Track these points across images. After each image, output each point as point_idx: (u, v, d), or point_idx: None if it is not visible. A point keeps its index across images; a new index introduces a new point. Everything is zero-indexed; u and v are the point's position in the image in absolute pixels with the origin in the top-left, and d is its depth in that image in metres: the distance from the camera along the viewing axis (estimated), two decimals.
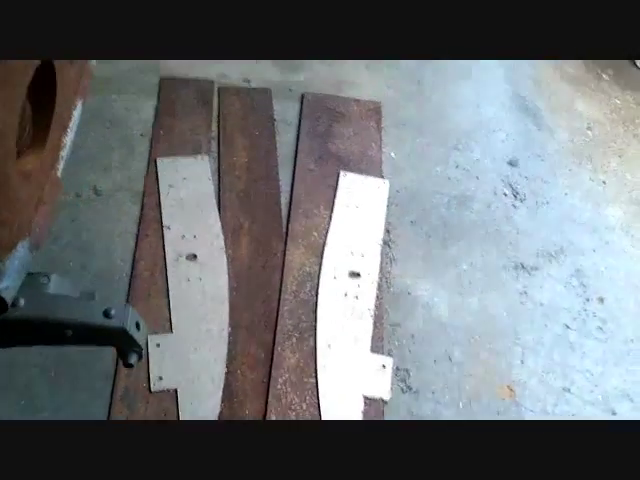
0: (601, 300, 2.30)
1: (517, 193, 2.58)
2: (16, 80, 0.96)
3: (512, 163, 2.69)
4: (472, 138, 2.77)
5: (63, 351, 1.95)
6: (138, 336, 1.29)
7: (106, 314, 1.24)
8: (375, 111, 2.80)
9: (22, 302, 1.18)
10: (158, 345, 1.99)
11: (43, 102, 1.15)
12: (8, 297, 1.09)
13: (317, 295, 2.17)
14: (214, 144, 2.58)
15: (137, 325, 1.29)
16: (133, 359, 1.31)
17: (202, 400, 1.90)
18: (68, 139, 1.34)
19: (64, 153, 1.32)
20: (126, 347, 1.30)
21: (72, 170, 2.37)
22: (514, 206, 2.54)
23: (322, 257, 2.27)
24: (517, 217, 2.51)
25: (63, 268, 2.12)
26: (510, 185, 2.61)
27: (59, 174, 1.30)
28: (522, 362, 2.10)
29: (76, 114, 1.38)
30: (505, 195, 2.58)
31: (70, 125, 1.35)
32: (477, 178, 2.62)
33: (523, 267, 2.35)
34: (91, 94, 2.65)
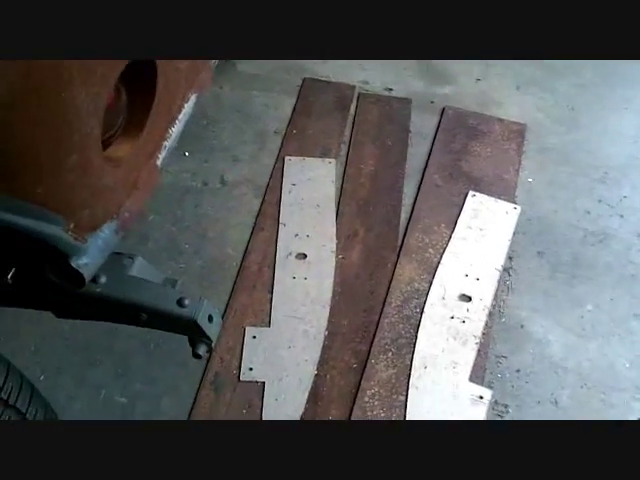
0: None
1: None
2: (105, 73, 0.98)
3: None
4: (623, 173, 2.54)
5: None
6: (209, 328, 1.30)
7: (180, 303, 1.26)
8: (518, 133, 2.66)
9: (103, 279, 1.23)
10: (254, 337, 2.00)
11: (143, 93, 1.19)
12: (86, 273, 1.13)
13: (422, 313, 2.08)
14: (344, 149, 2.57)
15: (210, 318, 1.31)
16: (202, 350, 1.32)
17: (287, 398, 1.88)
18: (175, 130, 1.38)
19: (168, 143, 1.35)
20: (196, 337, 1.31)
21: (204, 158, 2.49)
22: None
23: (434, 275, 2.17)
24: None
25: (178, 250, 2.21)
26: None
27: (159, 163, 1.33)
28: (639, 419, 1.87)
29: (187, 107, 1.42)
30: None
31: (180, 117, 1.39)
32: (621, 217, 2.39)
33: None
34: (234, 89, 2.78)
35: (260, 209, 2.34)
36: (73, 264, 1.08)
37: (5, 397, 1.09)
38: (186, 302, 1.24)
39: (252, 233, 2.27)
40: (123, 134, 1.17)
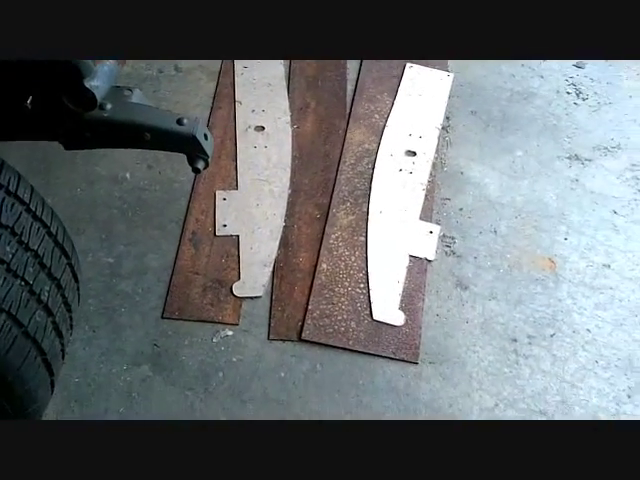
0: None
1: (580, 92, 2.61)
2: None
3: (579, 65, 2.70)
4: None
5: (141, 196, 2.19)
6: (205, 145, 1.47)
7: (179, 122, 1.43)
8: None
9: (109, 106, 1.38)
10: (224, 199, 2.19)
11: None
12: (98, 95, 1.29)
13: (373, 169, 2.31)
14: None
15: (205, 136, 1.47)
16: (200, 164, 1.48)
17: (260, 246, 2.09)
18: None
19: None
20: (194, 153, 1.48)
21: None
22: (575, 104, 2.57)
23: (381, 136, 2.40)
24: (577, 114, 2.54)
25: None
26: (574, 85, 2.63)
27: None
28: (566, 239, 2.18)
29: None
30: (568, 93, 2.60)
31: None
32: (542, 77, 2.65)
33: (577, 158, 2.40)
34: None
35: (216, 90, 2.49)
36: (86, 84, 1.23)
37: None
38: (184, 121, 1.40)
39: (211, 111, 2.43)
40: None
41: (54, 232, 1.31)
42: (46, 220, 1.30)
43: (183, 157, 2.25)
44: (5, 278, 1.11)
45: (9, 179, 1.21)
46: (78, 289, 1.39)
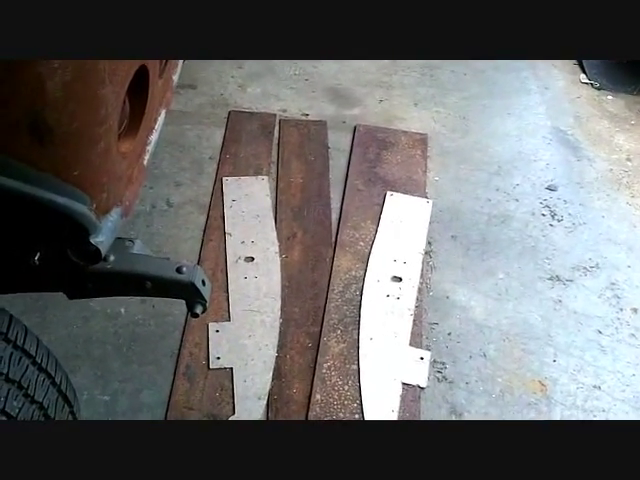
0: (635, 311, 2.41)
1: (555, 214, 2.74)
2: (121, 75, 1.24)
3: (551, 188, 2.86)
4: (513, 166, 2.97)
5: (135, 331, 2.21)
6: (204, 290, 1.53)
7: (178, 270, 1.49)
8: (421, 141, 3.05)
9: (111, 258, 1.45)
10: (217, 331, 2.22)
11: (138, 102, 1.44)
12: (103, 250, 1.36)
13: (361, 295, 2.37)
14: (274, 167, 2.87)
15: (203, 282, 1.53)
16: (199, 309, 1.53)
17: (254, 379, 2.10)
18: (153, 138, 1.63)
19: (150, 148, 1.61)
20: (193, 299, 1.53)
21: (150, 185, 2.72)
22: (551, 225, 2.70)
23: (367, 263, 2.48)
24: (554, 235, 2.66)
25: None
26: (548, 207, 2.78)
27: (145, 163, 1.58)
28: (554, 361, 2.22)
29: (160, 120, 1.68)
30: (543, 215, 2.74)
31: (156, 127, 1.65)
32: (517, 200, 2.80)
33: (558, 279, 2.49)
34: (168, 124, 3.02)
35: (206, 223, 2.58)
36: (92, 241, 1.29)
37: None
38: (184, 269, 1.46)
39: (202, 244, 2.50)
40: (126, 133, 1.40)
41: (58, 382, 1.33)
42: (50, 371, 1.32)
43: None
44: None
45: (17, 333, 1.24)
46: None
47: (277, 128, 3.06)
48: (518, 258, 2.56)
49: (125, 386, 2.07)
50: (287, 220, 2.63)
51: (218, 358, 2.15)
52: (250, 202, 2.68)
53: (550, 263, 2.55)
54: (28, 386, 1.23)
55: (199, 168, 2.83)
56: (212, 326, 2.24)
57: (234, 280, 2.38)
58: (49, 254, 1.35)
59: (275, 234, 2.56)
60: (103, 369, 2.11)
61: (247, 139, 2.99)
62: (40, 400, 1.26)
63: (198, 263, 2.44)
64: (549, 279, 2.49)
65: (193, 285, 1.46)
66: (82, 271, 1.40)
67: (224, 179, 2.77)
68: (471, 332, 2.31)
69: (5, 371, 1.20)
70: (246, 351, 2.18)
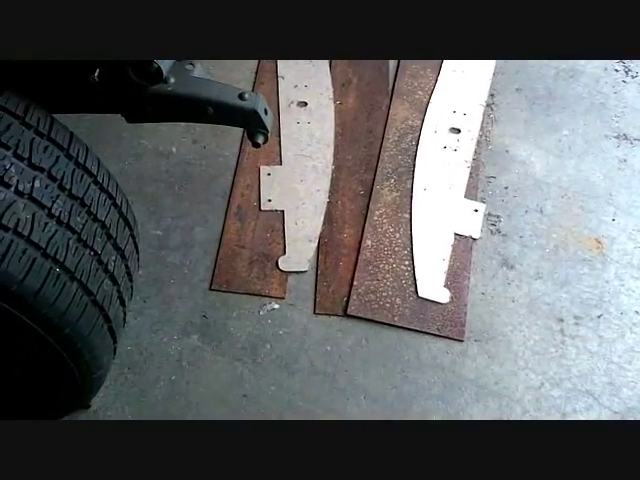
0: None
1: (629, 70, 2.55)
2: None
3: None
4: None
5: (187, 170, 2.20)
6: (266, 119, 1.47)
7: (241, 97, 1.43)
8: None
9: (172, 80, 1.39)
10: (269, 174, 2.19)
11: None
12: (164, 69, 1.29)
13: (417, 145, 2.29)
14: None
15: (265, 111, 1.47)
16: (260, 139, 1.49)
17: (305, 222, 2.10)
18: None
19: None
20: (254, 128, 1.48)
21: None
22: (624, 82, 2.52)
23: (425, 113, 2.37)
24: (626, 92, 2.49)
25: None
26: (623, 62, 2.58)
27: None
28: (613, 220, 2.15)
29: None
30: (616, 71, 2.55)
31: None
32: None
33: (626, 137, 2.36)
34: None
35: (258, 65, 2.48)
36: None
37: None
38: (246, 96, 1.40)
39: (254, 87, 2.42)
40: None
41: (119, 203, 1.32)
42: (112, 192, 1.32)
43: (228, 132, 2.28)
44: (77, 248, 1.13)
45: (78, 151, 1.22)
46: (138, 259, 1.41)
47: None
48: (585, 115, 2.42)
49: (178, 222, 2.08)
50: (342, 65, 2.51)
51: (269, 200, 2.13)
52: None
53: (618, 121, 2.40)
54: (91, 204, 1.23)
55: None
56: (264, 169, 2.20)
57: (286, 125, 2.32)
58: (109, 71, 1.30)
59: (330, 79, 2.45)
60: (156, 205, 2.12)
61: None
62: (102, 219, 1.26)
63: None
64: (615, 137, 2.36)
65: (256, 112, 1.41)
66: (142, 92, 1.35)
67: None
68: (529, 187, 2.23)
69: (68, 186, 1.19)
70: (297, 195, 2.16)
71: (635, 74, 2.54)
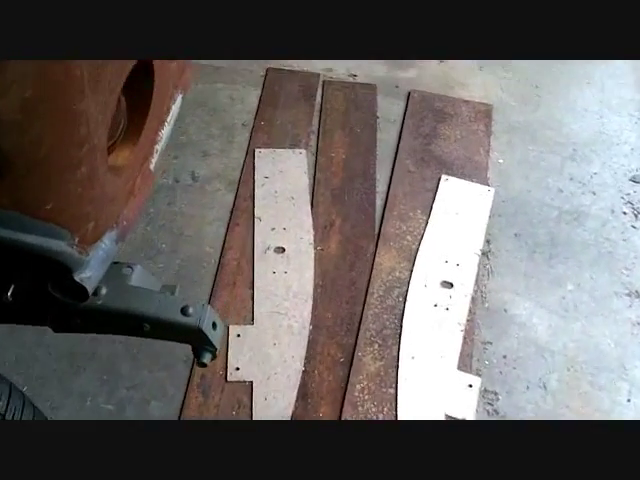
0: None
1: (638, 213, 2.35)
2: (112, 80, 0.94)
3: (636, 180, 2.45)
4: (592, 149, 2.55)
5: None
6: (213, 336, 1.25)
7: (184, 311, 1.21)
8: (485, 114, 2.65)
9: (104, 291, 1.17)
10: (239, 335, 1.95)
11: (140, 97, 1.13)
12: (89, 286, 1.08)
13: (405, 302, 2.06)
14: (313, 138, 2.52)
15: (214, 325, 1.25)
16: (206, 358, 1.26)
17: (277, 396, 1.84)
18: (165, 132, 1.32)
19: (159, 146, 1.30)
20: (200, 346, 1.26)
21: (173, 154, 2.41)
22: (634, 227, 2.31)
23: (414, 263, 2.15)
24: (636, 239, 2.28)
25: (155, 250, 2.14)
26: (631, 204, 2.38)
27: (152, 167, 1.28)
28: (629, 400, 1.89)
29: (175, 108, 1.36)
30: (624, 214, 2.35)
31: (168, 119, 1.33)
32: (593, 193, 2.41)
33: (638, 295, 2.12)
34: (196, 82, 2.69)
35: (234, 204, 2.28)
36: (77, 278, 1.02)
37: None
38: (190, 310, 1.18)
39: (228, 229, 2.21)
40: (122, 141, 1.10)
41: None
42: None
43: (194, 282, 2.06)
44: None
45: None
46: None
47: (320, 91, 2.70)
48: (591, 266, 2.20)
49: (133, 394, 1.83)
50: (325, 204, 2.31)
51: (237, 369, 1.88)
52: (284, 180, 2.36)
53: (629, 275, 2.18)
54: None
55: (230, 136, 2.51)
56: (233, 329, 1.96)
57: (261, 275, 2.09)
58: (26, 289, 1.08)
59: (311, 221, 2.25)
60: (110, 372, 1.87)
61: (285, 102, 2.63)
62: None
63: (222, 250, 2.15)
64: (627, 295, 2.13)
65: (200, 331, 1.18)
66: (69, 307, 1.12)
67: (257, 151, 2.44)
68: (531, 356, 1.98)
69: None
70: (269, 362, 1.91)
71: None
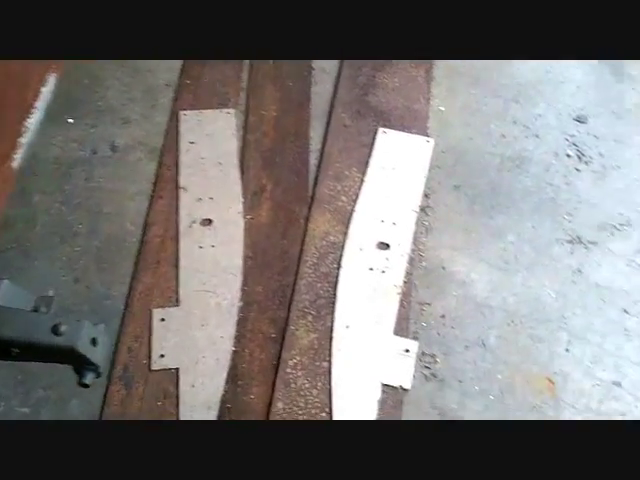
0: None
1: (582, 155, 2.25)
2: None
3: (580, 120, 2.34)
4: (536, 90, 2.42)
5: None
6: (92, 353, 1.16)
7: (55, 330, 1.11)
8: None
9: None
10: (162, 319, 1.86)
11: None
12: None
13: (339, 268, 1.97)
14: (243, 96, 2.37)
15: (93, 341, 1.16)
16: (88, 378, 1.18)
17: (205, 382, 1.77)
18: (32, 121, 1.20)
19: (25, 139, 1.18)
20: (79, 366, 1.17)
21: (90, 123, 2.26)
22: (577, 170, 2.21)
23: (349, 225, 2.05)
24: (579, 183, 2.19)
25: (71, 231, 2.02)
26: (575, 145, 2.27)
27: (15, 164, 1.16)
28: (567, 350, 1.84)
29: (46, 90, 1.23)
30: (568, 157, 2.25)
31: (36, 104, 1.20)
32: (537, 137, 2.29)
33: (580, 241, 2.05)
34: None
35: (157, 174, 2.15)
36: None
37: None
38: (62, 329, 1.09)
39: (151, 203, 2.09)
40: None
41: None
42: None
43: (115, 264, 1.96)
44: None
45: None
46: None
47: None
48: (533, 214, 2.11)
49: (50, 394, 1.75)
50: (255, 168, 2.18)
51: (162, 356, 1.80)
52: (212, 145, 2.23)
53: (572, 220, 2.10)
54: None
55: (152, 98, 2.35)
56: (156, 313, 1.87)
57: (186, 251, 1.99)
58: None
59: (240, 188, 2.13)
60: (25, 372, 1.78)
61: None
62: None
63: (145, 227, 2.04)
64: (569, 242, 2.05)
65: (73, 350, 1.09)
66: None
67: (181, 113, 2.29)
68: (469, 314, 1.92)
69: None
70: (196, 346, 1.83)
71: (589, 159, 2.24)
